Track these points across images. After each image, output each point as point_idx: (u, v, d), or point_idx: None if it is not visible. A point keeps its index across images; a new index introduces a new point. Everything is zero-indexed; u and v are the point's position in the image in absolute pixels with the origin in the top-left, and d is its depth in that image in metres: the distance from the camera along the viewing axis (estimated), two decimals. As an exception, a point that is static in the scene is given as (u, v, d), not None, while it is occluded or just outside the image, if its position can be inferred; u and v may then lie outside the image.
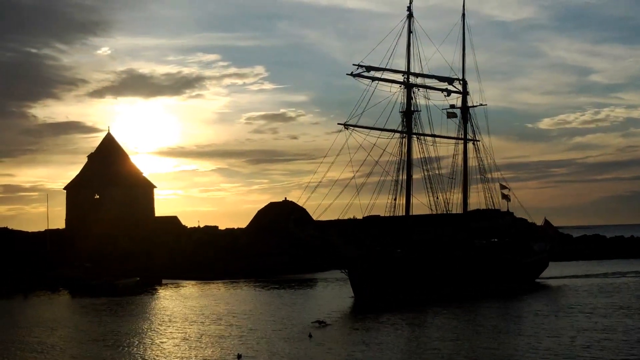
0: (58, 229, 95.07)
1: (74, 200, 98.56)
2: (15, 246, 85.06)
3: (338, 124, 61.19)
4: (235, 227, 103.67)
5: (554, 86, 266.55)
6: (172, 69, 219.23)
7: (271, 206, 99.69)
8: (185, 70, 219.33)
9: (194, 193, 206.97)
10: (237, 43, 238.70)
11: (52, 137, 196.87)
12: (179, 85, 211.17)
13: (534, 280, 67.06)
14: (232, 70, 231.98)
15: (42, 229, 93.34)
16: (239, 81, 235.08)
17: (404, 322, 41.58)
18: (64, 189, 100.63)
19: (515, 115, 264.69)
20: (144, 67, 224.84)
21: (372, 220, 66.88)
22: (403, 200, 62.54)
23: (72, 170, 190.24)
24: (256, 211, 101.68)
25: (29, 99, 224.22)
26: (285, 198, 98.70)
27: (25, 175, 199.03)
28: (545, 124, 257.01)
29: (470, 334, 36.54)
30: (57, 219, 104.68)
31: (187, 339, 37.36)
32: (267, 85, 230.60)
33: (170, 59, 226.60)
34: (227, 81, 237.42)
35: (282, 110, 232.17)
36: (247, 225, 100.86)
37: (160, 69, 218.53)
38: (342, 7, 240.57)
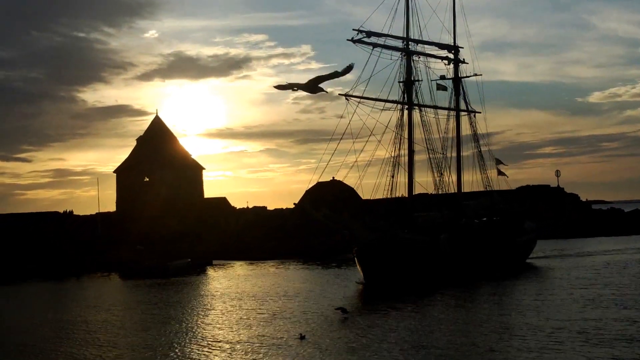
0: (109, 212, 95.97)
1: (124, 183, 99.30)
2: (68, 229, 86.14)
3: (339, 94, 59.97)
4: (284, 207, 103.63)
5: (604, 59, 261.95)
6: (219, 51, 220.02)
7: (319, 186, 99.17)
8: (233, 52, 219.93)
9: (242, 174, 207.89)
10: (284, 22, 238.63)
11: (101, 120, 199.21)
12: (226, 66, 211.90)
13: (525, 261, 63.30)
14: (279, 50, 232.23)
15: (94, 213, 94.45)
16: (286, 61, 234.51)
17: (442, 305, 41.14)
18: (114, 172, 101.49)
19: (565, 89, 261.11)
20: (191, 49, 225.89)
21: (420, 199, 65.53)
22: (402, 179, 59.92)
23: (121, 154, 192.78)
24: (304, 191, 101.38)
25: (78, 83, 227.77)
26: (333, 177, 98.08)
27: (76, 159, 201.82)
28: (595, 97, 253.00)
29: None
30: (108, 202, 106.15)
31: (246, 319, 37.29)
32: (314, 65, 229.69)
33: (217, 41, 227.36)
34: (274, 61, 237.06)
35: (329, 90, 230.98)
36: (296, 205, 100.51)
37: (207, 51, 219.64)
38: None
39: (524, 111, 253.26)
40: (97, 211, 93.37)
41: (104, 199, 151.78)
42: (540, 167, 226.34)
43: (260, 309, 40.85)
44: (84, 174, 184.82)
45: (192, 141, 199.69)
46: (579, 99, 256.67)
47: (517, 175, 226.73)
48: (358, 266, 54.07)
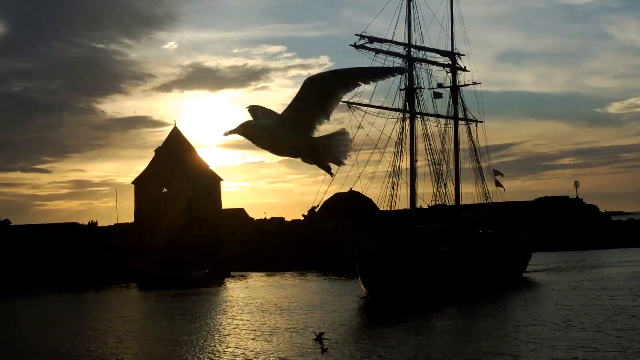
0: (127, 223, 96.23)
1: (142, 194, 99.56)
2: (86, 240, 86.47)
3: (342, 101, 59.54)
4: (302, 218, 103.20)
5: (623, 69, 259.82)
6: (237, 62, 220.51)
7: (337, 197, 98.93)
8: (251, 63, 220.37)
9: (260, 185, 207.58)
10: (302, 34, 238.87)
11: (120, 131, 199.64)
12: (244, 77, 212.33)
13: (522, 274, 61.86)
14: (297, 61, 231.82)
15: (112, 223, 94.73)
16: (304, 72, 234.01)
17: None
18: (133, 183, 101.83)
19: (583, 100, 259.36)
20: (210, 61, 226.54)
21: (438, 210, 65.10)
22: (402, 190, 59.22)
23: (140, 165, 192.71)
24: (322, 202, 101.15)
25: (98, 94, 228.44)
26: (351, 188, 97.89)
27: (95, 170, 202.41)
28: (614, 108, 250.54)
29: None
30: (126, 213, 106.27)
31: (269, 330, 37.36)
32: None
33: (236, 52, 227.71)
34: (293, 72, 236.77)
35: (347, 100, 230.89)
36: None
37: (225, 62, 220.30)
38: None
39: (542, 122, 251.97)
40: (116, 222, 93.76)
41: (122, 210, 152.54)
42: (559, 179, 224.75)
43: (283, 320, 40.90)
44: (103, 185, 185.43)
45: (210, 152, 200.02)
46: (598, 110, 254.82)
47: (536, 187, 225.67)
48: (360, 278, 53.40)
